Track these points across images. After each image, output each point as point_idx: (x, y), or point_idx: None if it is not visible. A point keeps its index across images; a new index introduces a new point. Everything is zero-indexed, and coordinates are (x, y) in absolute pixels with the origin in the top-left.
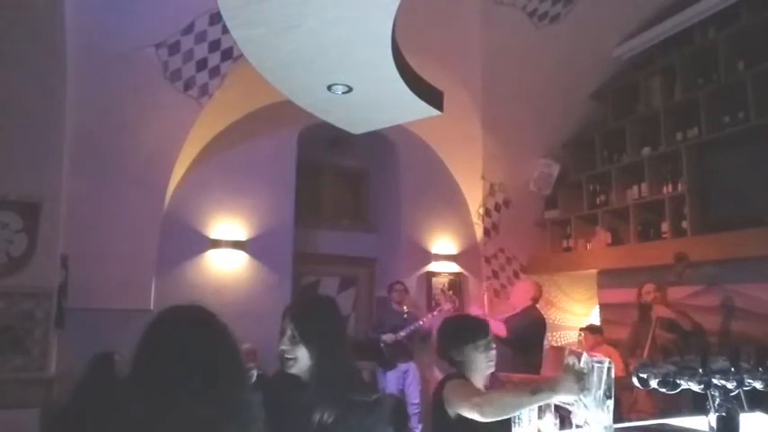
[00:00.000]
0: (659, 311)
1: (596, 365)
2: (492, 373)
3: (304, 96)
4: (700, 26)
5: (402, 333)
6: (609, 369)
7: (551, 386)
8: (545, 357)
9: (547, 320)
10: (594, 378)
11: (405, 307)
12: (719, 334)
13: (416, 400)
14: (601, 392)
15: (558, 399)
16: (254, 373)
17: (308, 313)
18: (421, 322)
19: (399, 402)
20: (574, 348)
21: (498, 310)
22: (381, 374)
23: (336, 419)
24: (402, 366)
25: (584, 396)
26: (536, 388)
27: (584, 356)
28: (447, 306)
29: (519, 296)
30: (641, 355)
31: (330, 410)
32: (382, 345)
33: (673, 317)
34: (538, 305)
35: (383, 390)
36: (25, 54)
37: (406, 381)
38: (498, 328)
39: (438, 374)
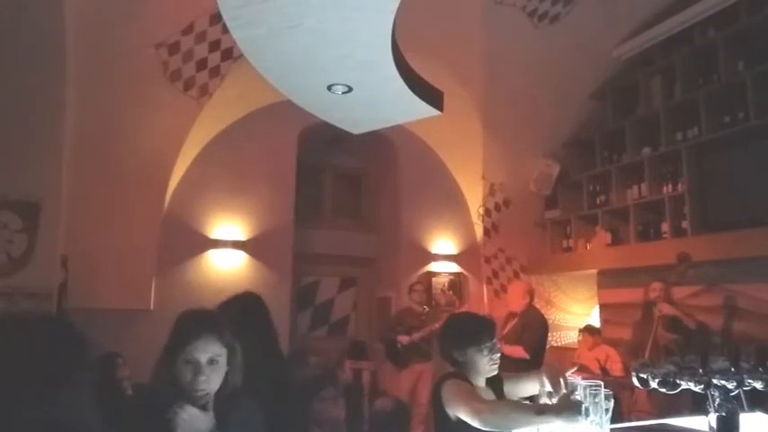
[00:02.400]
0: (664, 308)
1: (595, 392)
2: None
3: (304, 96)
4: (700, 26)
5: (417, 335)
6: (608, 395)
7: (557, 410)
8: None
9: (546, 319)
10: (596, 403)
11: (425, 307)
12: (720, 334)
13: (424, 401)
14: (603, 416)
15: (558, 423)
16: None
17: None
18: (437, 324)
19: (399, 403)
20: (571, 376)
21: (498, 311)
22: (395, 373)
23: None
24: (417, 367)
25: (583, 421)
26: (541, 409)
27: (582, 383)
28: (464, 309)
29: (516, 297)
30: (644, 355)
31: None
32: (399, 345)
33: (677, 314)
34: (534, 303)
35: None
36: (25, 54)
37: (419, 381)
38: (517, 352)
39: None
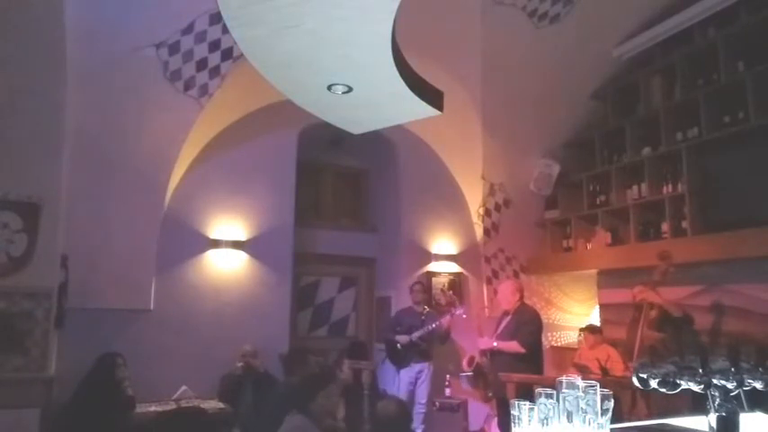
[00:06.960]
0: (649, 297)
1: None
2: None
3: (304, 96)
4: (700, 26)
5: (416, 334)
6: (608, 395)
7: None
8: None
9: (547, 320)
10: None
11: (425, 307)
12: (720, 334)
13: (423, 401)
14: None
15: None
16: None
17: None
18: (436, 324)
19: (402, 402)
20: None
21: (498, 311)
22: (395, 373)
23: None
24: (416, 366)
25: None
26: None
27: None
28: (461, 310)
29: (507, 296)
30: (632, 356)
31: None
32: (398, 345)
33: (659, 302)
34: (525, 300)
35: (393, 389)
36: (25, 54)
37: (417, 380)
38: (512, 347)
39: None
